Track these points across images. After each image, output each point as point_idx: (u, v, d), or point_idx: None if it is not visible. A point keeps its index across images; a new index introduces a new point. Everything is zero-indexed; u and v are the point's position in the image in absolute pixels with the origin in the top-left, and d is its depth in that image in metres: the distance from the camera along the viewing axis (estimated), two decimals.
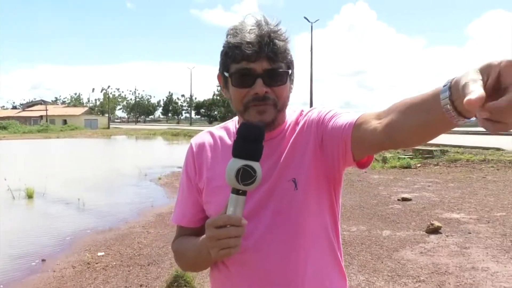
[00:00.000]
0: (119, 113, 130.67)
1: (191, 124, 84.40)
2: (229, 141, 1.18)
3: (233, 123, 1.24)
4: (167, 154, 22.30)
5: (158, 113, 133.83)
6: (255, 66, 1.03)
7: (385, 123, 0.87)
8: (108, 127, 68.34)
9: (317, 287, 1.12)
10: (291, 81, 1.12)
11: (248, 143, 0.97)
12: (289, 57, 1.08)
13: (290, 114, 1.18)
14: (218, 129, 1.26)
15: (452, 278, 3.95)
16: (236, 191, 0.97)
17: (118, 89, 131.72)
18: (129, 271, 4.51)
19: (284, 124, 1.16)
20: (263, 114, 1.06)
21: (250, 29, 1.04)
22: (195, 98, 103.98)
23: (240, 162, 0.95)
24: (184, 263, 1.25)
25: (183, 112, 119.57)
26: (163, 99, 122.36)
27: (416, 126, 0.80)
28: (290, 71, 1.09)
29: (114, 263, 4.77)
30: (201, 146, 1.23)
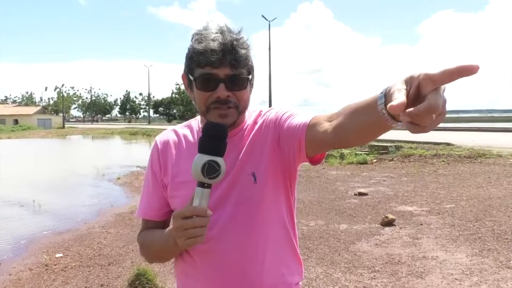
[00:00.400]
0: (74, 112, 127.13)
1: (149, 123, 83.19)
2: (193, 139, 1.26)
3: (196, 122, 1.32)
4: (125, 154, 21.92)
5: (115, 112, 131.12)
6: (218, 72, 1.11)
7: (335, 125, 0.97)
8: (63, 127, 66.30)
9: (275, 272, 1.21)
10: (251, 85, 1.20)
11: (213, 140, 1.06)
12: (250, 64, 1.17)
13: (250, 113, 1.28)
14: (182, 128, 1.33)
15: (404, 267, 4.15)
16: (201, 184, 1.05)
17: (72, 88, 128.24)
18: (89, 271, 4.47)
19: (243, 123, 1.25)
20: (225, 118, 1.15)
21: (214, 37, 1.11)
22: (153, 97, 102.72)
23: (206, 158, 1.03)
24: (151, 254, 1.31)
25: (141, 110, 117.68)
26: (120, 98, 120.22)
27: (360, 127, 0.91)
28: (250, 77, 1.17)
29: (74, 264, 4.71)
30: (166, 144, 1.30)
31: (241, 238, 1.17)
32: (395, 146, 14.72)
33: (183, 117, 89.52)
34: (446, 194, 7.46)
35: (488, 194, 7.21)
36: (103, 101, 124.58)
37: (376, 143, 15.83)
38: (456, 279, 3.82)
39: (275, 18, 42.51)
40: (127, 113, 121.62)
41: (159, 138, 1.33)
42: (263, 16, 39.77)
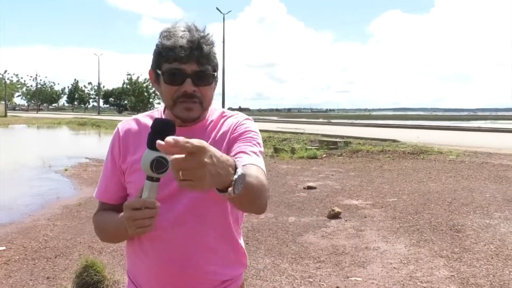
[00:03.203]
0: (18, 100, 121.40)
1: (99, 113, 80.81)
2: None
3: (158, 112, 1.38)
4: (73, 144, 21.30)
5: (63, 101, 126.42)
6: (185, 67, 1.19)
7: None
8: (5, 115, 63.14)
9: (221, 261, 1.30)
10: (216, 82, 1.29)
11: (161, 137, 1.11)
12: (215, 61, 1.25)
13: (212, 111, 1.36)
14: (143, 117, 1.39)
15: (347, 258, 4.36)
16: (150, 178, 1.12)
17: (16, 75, 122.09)
18: (34, 264, 4.38)
19: (205, 120, 1.33)
20: (190, 111, 1.23)
21: (182, 34, 1.19)
22: (104, 87, 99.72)
23: (154, 154, 1.09)
24: (104, 235, 1.39)
25: (91, 100, 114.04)
26: (68, 87, 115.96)
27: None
28: (215, 74, 1.26)
29: (17, 257, 4.59)
30: (127, 132, 1.36)
31: (189, 229, 1.25)
32: (344, 141, 15.16)
33: (134, 108, 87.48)
34: (389, 188, 7.82)
35: (428, 189, 7.62)
36: (49, 90, 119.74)
37: (326, 138, 16.25)
38: (394, 267, 4.06)
39: (229, 11, 42.30)
40: (75, 103, 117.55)
41: (121, 126, 1.38)
42: (217, 8, 39.61)
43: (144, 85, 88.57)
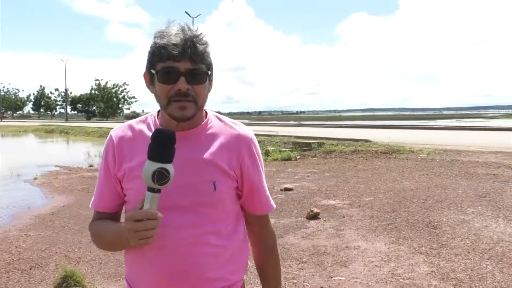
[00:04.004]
0: None
1: (67, 120, 79.03)
2: (149, 134, 1.28)
3: (152, 117, 1.34)
4: (42, 153, 20.73)
5: (28, 108, 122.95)
6: (179, 65, 1.17)
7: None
8: None
9: (222, 267, 1.29)
10: (210, 81, 1.27)
11: (162, 148, 1.11)
12: (209, 60, 1.24)
13: (210, 116, 1.33)
14: (137, 123, 1.35)
15: (329, 258, 4.38)
16: (152, 189, 1.10)
17: None
18: (8, 277, 4.21)
19: (204, 124, 1.30)
20: (185, 110, 1.20)
21: (176, 33, 1.19)
22: (71, 93, 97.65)
23: (156, 165, 1.08)
24: (103, 244, 1.36)
25: (58, 107, 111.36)
26: (33, 93, 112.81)
27: None
28: (209, 72, 1.24)
29: None
30: (122, 138, 1.32)
31: (194, 236, 1.23)
32: (318, 142, 15.29)
33: (103, 115, 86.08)
34: (365, 187, 7.92)
35: (402, 187, 7.76)
36: (13, 97, 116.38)
37: (299, 140, 16.37)
38: (376, 266, 4.10)
39: (199, 15, 42.25)
40: (41, 110, 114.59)
41: (115, 133, 1.34)
42: (186, 12, 39.55)
43: (113, 90, 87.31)
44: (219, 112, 1.46)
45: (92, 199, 1.38)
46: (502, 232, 4.95)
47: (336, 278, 3.88)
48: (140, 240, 1.11)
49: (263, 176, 1.37)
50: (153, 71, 1.21)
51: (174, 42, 1.17)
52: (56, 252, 4.86)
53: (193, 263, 1.23)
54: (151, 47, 1.22)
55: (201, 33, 1.22)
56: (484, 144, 14.19)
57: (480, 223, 5.35)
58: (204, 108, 1.32)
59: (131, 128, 1.34)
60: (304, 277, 3.93)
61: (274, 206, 1.43)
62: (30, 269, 4.40)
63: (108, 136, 1.35)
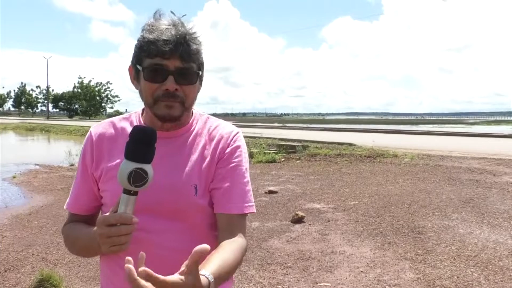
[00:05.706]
0: None
1: (48, 118, 77.74)
2: None
3: (136, 115, 1.27)
4: (21, 151, 20.31)
5: (9, 105, 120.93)
6: (168, 63, 1.09)
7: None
8: None
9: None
10: (200, 82, 1.19)
11: (141, 146, 1.00)
12: (201, 59, 1.15)
13: (196, 116, 1.25)
14: (120, 120, 1.26)
15: (315, 262, 4.31)
16: (127, 192, 0.99)
17: None
18: None
19: (189, 125, 1.22)
20: (171, 109, 1.12)
21: (167, 28, 1.10)
22: (53, 90, 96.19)
23: (133, 165, 0.98)
24: (75, 249, 1.26)
25: (39, 105, 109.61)
26: (14, 90, 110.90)
27: None
28: (200, 73, 1.16)
29: None
30: (101, 136, 1.23)
31: (172, 242, 1.15)
32: (302, 145, 15.25)
33: (86, 113, 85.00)
34: (350, 191, 7.89)
35: (387, 191, 7.75)
36: None
37: (284, 143, 16.32)
38: (362, 271, 4.05)
39: (184, 15, 41.87)
40: (22, 107, 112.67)
41: (94, 130, 1.25)
42: (172, 12, 39.05)
43: (96, 89, 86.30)
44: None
45: (68, 199, 1.28)
46: (487, 239, 4.95)
47: (321, 284, 3.81)
48: (113, 246, 1.01)
49: (246, 181, 1.25)
50: (139, 67, 1.13)
51: (164, 37, 1.08)
52: (33, 254, 4.70)
53: (172, 270, 1.14)
54: (138, 40, 1.13)
55: (195, 31, 1.14)
56: (466, 150, 14.34)
57: (465, 229, 5.35)
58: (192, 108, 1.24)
59: (112, 125, 1.25)
60: (289, 283, 3.85)
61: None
62: (5, 271, 4.23)
63: (88, 133, 1.26)
